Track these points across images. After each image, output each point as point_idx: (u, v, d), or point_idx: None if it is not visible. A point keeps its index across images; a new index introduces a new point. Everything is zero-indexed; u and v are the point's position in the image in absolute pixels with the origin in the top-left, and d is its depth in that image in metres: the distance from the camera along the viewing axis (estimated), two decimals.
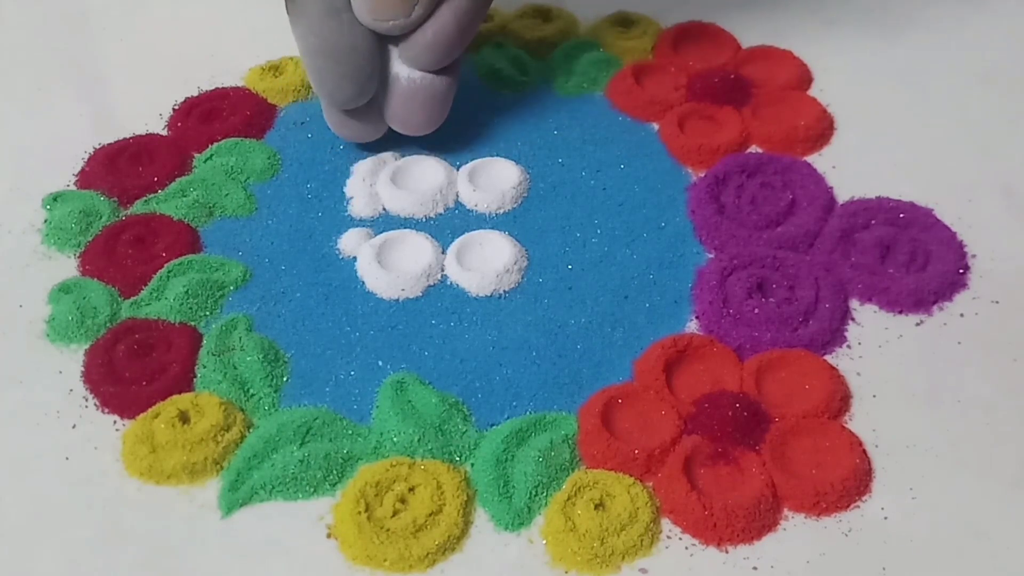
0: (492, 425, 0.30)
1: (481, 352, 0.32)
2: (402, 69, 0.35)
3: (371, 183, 0.37)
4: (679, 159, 0.39)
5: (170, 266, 0.35)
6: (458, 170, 0.38)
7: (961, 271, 0.34)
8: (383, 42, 0.35)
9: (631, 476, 0.29)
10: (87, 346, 0.33)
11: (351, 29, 0.34)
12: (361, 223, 0.36)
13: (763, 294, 0.34)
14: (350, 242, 0.35)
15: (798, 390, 0.31)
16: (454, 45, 0.35)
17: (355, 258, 0.35)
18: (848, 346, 0.33)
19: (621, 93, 0.41)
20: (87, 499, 0.29)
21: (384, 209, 0.37)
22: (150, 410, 0.31)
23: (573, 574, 0.27)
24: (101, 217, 0.37)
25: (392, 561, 0.27)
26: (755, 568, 0.27)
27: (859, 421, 0.30)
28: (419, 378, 0.32)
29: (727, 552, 0.28)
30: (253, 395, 0.31)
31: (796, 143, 0.39)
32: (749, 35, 0.44)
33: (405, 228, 0.36)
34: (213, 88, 0.42)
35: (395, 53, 0.35)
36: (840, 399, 0.31)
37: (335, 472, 0.29)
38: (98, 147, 0.40)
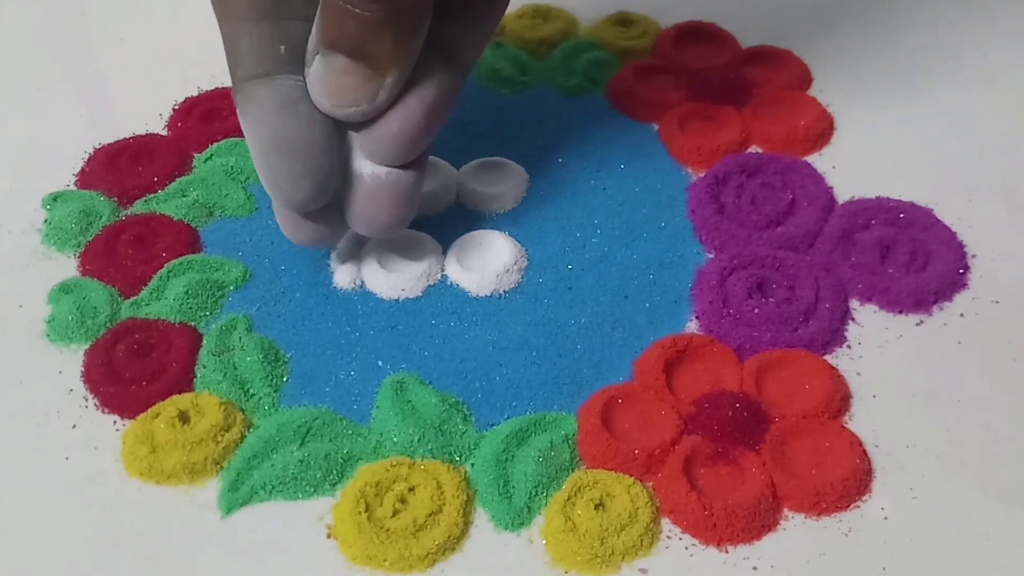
0: (492, 425, 0.30)
1: (481, 352, 0.32)
2: (365, 165, 0.31)
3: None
4: (679, 159, 0.39)
5: (170, 266, 0.35)
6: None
7: (961, 271, 0.34)
8: (343, 135, 0.31)
9: (631, 476, 0.29)
10: (87, 346, 0.33)
11: (309, 121, 0.29)
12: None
13: (763, 294, 0.34)
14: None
15: (798, 390, 0.31)
16: (422, 136, 0.31)
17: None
18: (848, 346, 0.33)
19: (621, 93, 0.41)
20: (87, 499, 0.29)
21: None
22: (150, 410, 0.31)
23: (573, 574, 0.27)
24: (101, 217, 0.37)
25: (392, 561, 0.27)
26: (755, 568, 0.27)
27: (859, 421, 0.30)
28: (419, 378, 0.32)
29: (727, 552, 0.28)
30: (253, 395, 0.31)
31: (796, 143, 0.39)
32: (749, 35, 0.44)
33: (405, 230, 0.36)
34: (213, 88, 0.42)
35: (356, 147, 0.31)
36: (840, 399, 0.31)
37: (335, 472, 0.29)
38: (98, 147, 0.40)
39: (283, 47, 0.29)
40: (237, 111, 0.30)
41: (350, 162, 0.31)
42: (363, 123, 0.30)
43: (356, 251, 0.35)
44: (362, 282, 0.34)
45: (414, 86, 0.30)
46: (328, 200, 0.31)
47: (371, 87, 0.29)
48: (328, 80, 0.29)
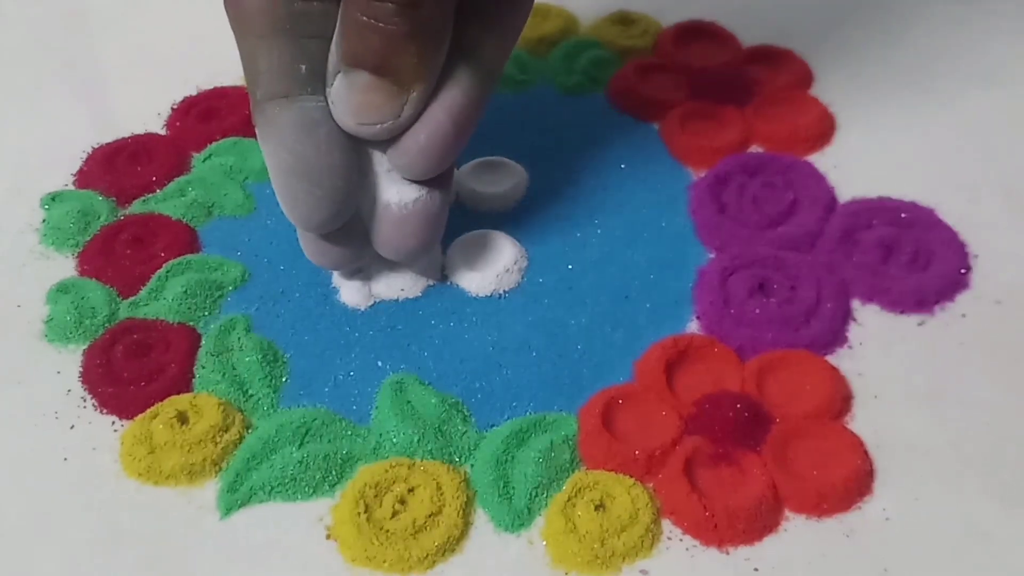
0: (492, 426, 0.30)
1: (481, 352, 0.32)
2: (391, 194, 0.30)
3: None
4: (680, 159, 0.39)
5: (169, 266, 0.34)
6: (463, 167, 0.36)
7: (963, 271, 0.34)
8: (368, 158, 0.30)
9: (631, 477, 0.29)
10: (85, 346, 0.33)
11: (329, 145, 0.29)
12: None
13: (764, 294, 0.33)
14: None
15: (799, 391, 0.31)
16: (451, 147, 0.30)
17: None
18: (850, 346, 0.32)
19: (621, 92, 0.41)
20: (85, 500, 0.29)
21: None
22: (148, 411, 0.31)
23: (573, 575, 0.27)
24: (99, 217, 0.37)
25: (391, 562, 0.27)
26: (756, 569, 0.27)
27: (860, 422, 0.30)
28: (419, 378, 0.31)
29: (728, 553, 0.28)
30: (252, 395, 0.31)
31: (797, 143, 0.39)
32: (749, 34, 0.44)
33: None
34: (212, 88, 0.42)
35: (382, 172, 0.30)
36: (841, 400, 0.31)
37: (334, 473, 0.29)
38: (96, 147, 0.40)
39: (303, 66, 0.28)
40: (256, 132, 0.29)
41: (376, 190, 0.31)
42: (389, 139, 0.30)
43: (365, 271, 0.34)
44: (376, 299, 0.34)
45: (440, 95, 0.29)
46: (345, 221, 0.30)
47: (396, 103, 0.28)
48: (351, 98, 0.28)
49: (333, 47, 0.29)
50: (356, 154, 0.30)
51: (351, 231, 0.31)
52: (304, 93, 0.29)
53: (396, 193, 0.31)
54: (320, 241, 0.31)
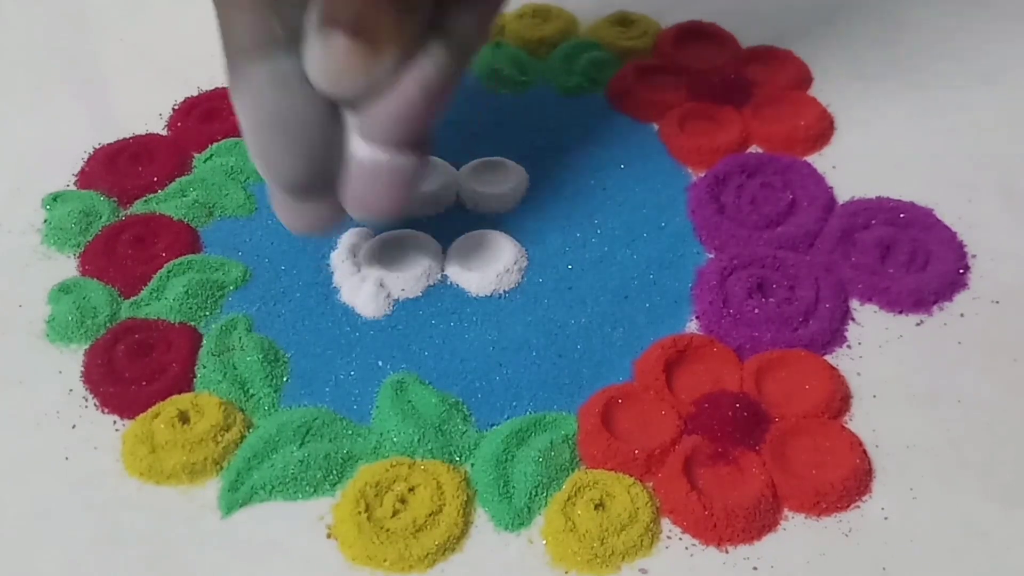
0: (492, 425, 0.30)
1: (481, 352, 0.32)
2: (365, 149, 0.30)
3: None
4: (679, 159, 0.39)
5: (170, 266, 0.35)
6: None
7: (961, 271, 0.34)
8: (340, 116, 0.30)
9: (631, 476, 0.29)
10: (87, 346, 0.33)
11: (304, 101, 0.29)
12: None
13: (763, 294, 0.34)
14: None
15: (798, 390, 0.31)
16: (420, 119, 0.30)
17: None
18: (848, 346, 0.33)
19: (621, 93, 0.41)
20: (87, 499, 0.29)
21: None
22: (150, 410, 0.31)
23: (573, 574, 0.27)
24: (101, 217, 0.37)
25: (392, 561, 0.27)
26: (755, 568, 0.27)
27: (859, 421, 0.30)
28: (419, 378, 0.31)
29: (727, 552, 0.28)
30: (253, 395, 0.31)
31: (796, 143, 0.39)
32: (749, 35, 0.44)
33: (405, 230, 0.36)
34: (213, 88, 0.42)
35: (354, 129, 0.30)
36: (840, 399, 0.31)
37: (335, 472, 0.29)
38: (98, 147, 0.40)
39: (279, 26, 0.28)
40: (229, 90, 0.29)
41: (348, 144, 0.30)
42: (361, 103, 0.30)
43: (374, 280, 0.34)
44: (393, 303, 0.34)
45: (413, 67, 0.29)
46: (323, 182, 0.30)
47: (370, 65, 0.28)
48: (326, 58, 0.28)
49: (310, 6, 0.28)
50: (331, 111, 0.30)
51: (324, 193, 0.31)
52: (279, 52, 0.29)
53: (370, 150, 0.30)
54: (293, 202, 0.31)
